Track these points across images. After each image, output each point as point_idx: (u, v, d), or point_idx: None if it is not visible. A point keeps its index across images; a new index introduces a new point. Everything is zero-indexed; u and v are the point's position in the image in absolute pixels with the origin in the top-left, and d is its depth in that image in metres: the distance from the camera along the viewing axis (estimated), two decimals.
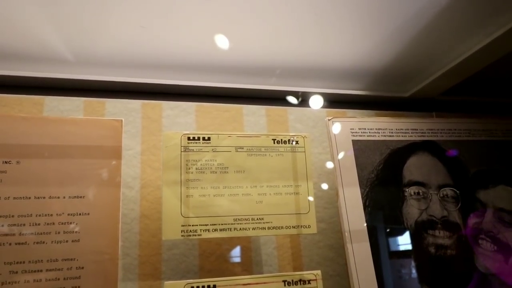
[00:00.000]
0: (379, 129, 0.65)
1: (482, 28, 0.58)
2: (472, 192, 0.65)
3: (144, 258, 0.60)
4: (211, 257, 0.62)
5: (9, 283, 0.45)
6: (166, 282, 0.49)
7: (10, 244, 0.46)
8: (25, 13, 0.52)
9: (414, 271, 0.59)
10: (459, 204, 0.63)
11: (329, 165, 0.71)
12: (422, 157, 0.65)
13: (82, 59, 0.62)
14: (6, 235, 0.46)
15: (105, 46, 0.59)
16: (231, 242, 0.64)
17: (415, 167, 0.64)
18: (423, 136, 0.67)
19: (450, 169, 0.65)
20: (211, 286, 0.50)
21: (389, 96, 0.78)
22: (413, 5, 0.54)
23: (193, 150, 0.55)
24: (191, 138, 0.56)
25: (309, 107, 0.75)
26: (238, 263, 0.63)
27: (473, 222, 0.63)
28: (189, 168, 0.54)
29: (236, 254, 0.64)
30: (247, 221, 0.54)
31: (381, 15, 0.56)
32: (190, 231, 0.52)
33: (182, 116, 0.69)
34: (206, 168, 0.55)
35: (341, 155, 0.62)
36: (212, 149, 0.56)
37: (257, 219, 0.54)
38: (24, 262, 0.46)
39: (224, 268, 0.62)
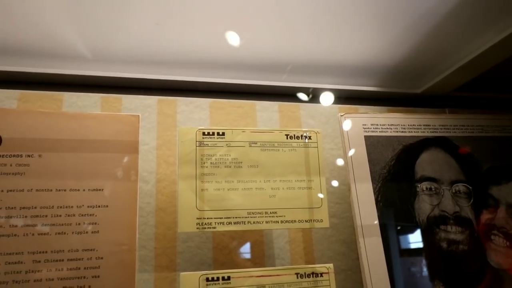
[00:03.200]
0: (392, 125, 0.66)
1: (495, 24, 0.58)
2: (485, 188, 0.65)
3: (160, 250, 0.61)
4: (224, 250, 0.63)
5: (32, 271, 0.47)
6: (182, 273, 0.51)
7: (33, 234, 0.48)
8: (45, 13, 0.54)
9: (425, 266, 0.60)
10: (472, 200, 0.63)
11: (341, 161, 0.72)
12: (435, 153, 0.65)
13: (100, 56, 0.64)
14: (29, 225, 0.48)
15: (121, 44, 0.61)
16: (244, 236, 0.65)
17: (427, 163, 0.64)
18: (435, 132, 0.67)
19: (463, 165, 0.65)
20: (226, 277, 0.51)
21: (401, 92, 0.78)
22: (426, 1, 0.54)
23: (208, 145, 0.56)
24: (206, 133, 0.57)
25: (321, 103, 0.75)
26: (251, 256, 0.64)
27: (486, 218, 0.63)
28: (204, 163, 0.56)
29: (249, 247, 0.65)
30: (261, 215, 0.55)
31: (394, 11, 0.56)
32: (205, 224, 0.53)
33: (196, 112, 0.70)
34: (220, 163, 0.56)
35: (353, 150, 0.63)
36: (227, 144, 0.57)
37: (270, 212, 0.55)
38: (46, 252, 0.48)
39: (237, 261, 0.64)
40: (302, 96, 0.75)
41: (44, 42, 0.60)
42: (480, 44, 0.63)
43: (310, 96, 0.75)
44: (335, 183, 0.71)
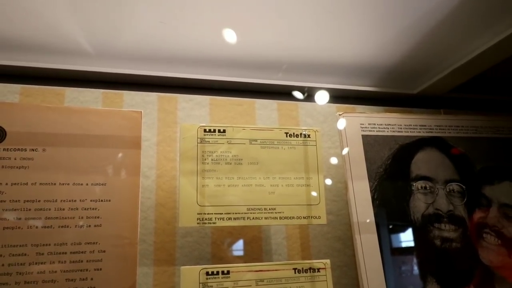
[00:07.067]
0: (388, 124, 0.67)
1: (490, 27, 0.60)
2: (478, 187, 0.66)
3: (160, 244, 0.62)
4: (223, 245, 0.65)
5: (36, 263, 0.48)
6: (183, 267, 0.52)
7: (36, 227, 0.49)
8: (48, 7, 0.54)
9: (419, 262, 0.61)
10: (465, 199, 0.65)
11: (339, 159, 0.73)
12: (430, 153, 0.67)
13: (102, 52, 0.64)
14: (33, 218, 0.49)
15: (124, 40, 0.62)
16: (243, 232, 0.66)
17: (423, 162, 0.66)
18: (431, 132, 0.69)
19: (457, 165, 0.67)
20: (225, 271, 0.52)
21: (398, 93, 0.79)
22: (423, 4, 0.55)
23: (209, 141, 0.57)
24: (207, 130, 0.58)
25: (319, 102, 0.77)
26: (249, 251, 0.66)
27: (478, 217, 0.65)
28: (205, 159, 0.57)
29: (247, 243, 0.66)
30: (260, 211, 0.56)
31: (392, 13, 0.57)
32: (205, 219, 0.54)
33: (196, 109, 0.71)
34: (221, 159, 0.57)
35: (351, 149, 0.64)
36: (227, 141, 0.58)
37: (269, 209, 0.57)
38: (49, 245, 0.49)
39: (235, 256, 0.65)
40: (300, 95, 0.77)
41: (46, 37, 0.60)
42: (475, 46, 0.64)
43: (308, 95, 0.77)
44: (332, 181, 0.72)
